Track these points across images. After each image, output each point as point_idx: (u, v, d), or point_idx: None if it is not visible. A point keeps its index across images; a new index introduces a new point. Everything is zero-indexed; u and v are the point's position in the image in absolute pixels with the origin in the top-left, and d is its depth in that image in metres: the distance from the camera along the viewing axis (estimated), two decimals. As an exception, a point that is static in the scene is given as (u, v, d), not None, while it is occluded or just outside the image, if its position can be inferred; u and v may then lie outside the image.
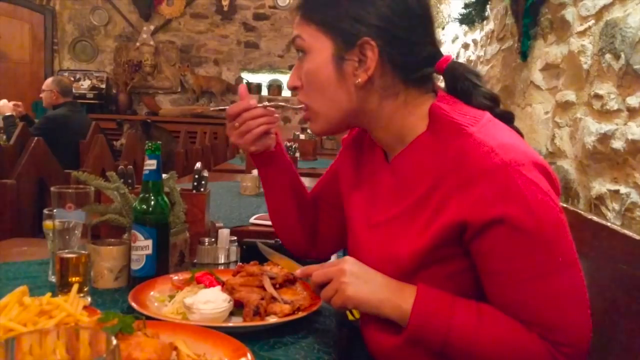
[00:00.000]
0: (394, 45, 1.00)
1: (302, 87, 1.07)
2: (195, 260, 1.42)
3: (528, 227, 0.88)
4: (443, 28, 5.22)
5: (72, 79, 7.48)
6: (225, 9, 7.91)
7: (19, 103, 5.00)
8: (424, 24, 1.05)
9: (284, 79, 8.18)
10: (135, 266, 1.21)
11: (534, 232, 0.89)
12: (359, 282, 0.96)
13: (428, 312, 0.93)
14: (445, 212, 0.94)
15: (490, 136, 0.94)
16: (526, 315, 0.91)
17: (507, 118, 1.04)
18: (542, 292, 0.90)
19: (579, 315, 0.92)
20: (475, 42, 4.39)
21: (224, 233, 1.47)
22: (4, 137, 4.49)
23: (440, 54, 1.05)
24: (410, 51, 1.02)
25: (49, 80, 4.81)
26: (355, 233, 1.14)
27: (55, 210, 1.15)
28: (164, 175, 1.29)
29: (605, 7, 1.93)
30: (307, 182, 1.41)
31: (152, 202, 1.21)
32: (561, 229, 0.91)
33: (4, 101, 4.85)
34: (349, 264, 0.99)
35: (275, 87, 8.15)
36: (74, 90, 7.06)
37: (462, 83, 1.04)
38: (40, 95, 4.79)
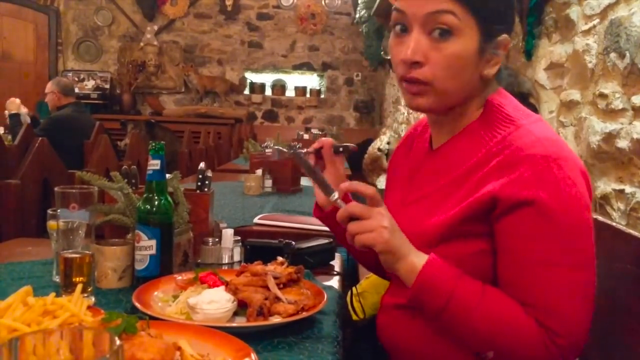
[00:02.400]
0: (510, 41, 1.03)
1: (425, 64, 0.99)
2: (199, 260, 1.42)
3: (554, 215, 0.91)
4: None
5: (76, 79, 7.49)
6: (229, 8, 7.92)
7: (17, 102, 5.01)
8: None
9: (288, 78, 8.19)
10: (139, 266, 1.21)
11: (558, 221, 0.92)
12: (395, 231, 0.97)
13: (435, 274, 0.95)
14: (481, 189, 0.97)
15: (539, 130, 0.98)
16: (529, 297, 0.93)
17: (524, 97, 1.12)
18: (551, 278, 0.92)
19: (580, 312, 0.93)
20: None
21: (228, 233, 1.47)
22: (9, 137, 4.50)
23: None
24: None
25: (49, 82, 4.82)
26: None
27: (59, 211, 1.15)
28: (167, 175, 1.29)
29: (610, 6, 1.92)
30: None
31: (156, 202, 1.21)
32: (585, 228, 0.94)
33: (14, 99, 4.86)
34: (387, 211, 0.99)
35: (279, 87, 8.16)
36: (77, 91, 7.14)
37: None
38: (45, 100, 4.81)
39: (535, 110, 1.11)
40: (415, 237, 1.00)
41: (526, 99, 1.11)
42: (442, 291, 0.94)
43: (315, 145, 1.26)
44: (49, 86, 4.71)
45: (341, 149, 1.26)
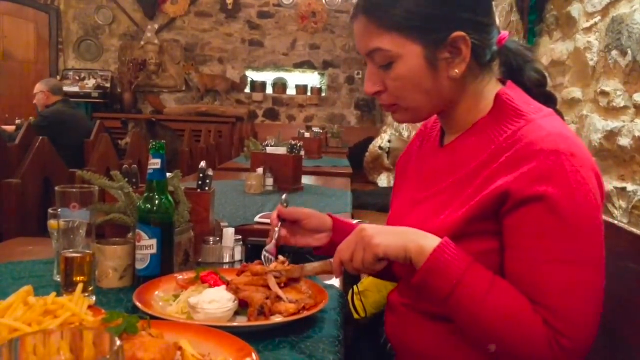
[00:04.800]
0: (478, 32, 1.01)
1: (385, 91, 1.06)
2: (200, 260, 1.42)
3: (564, 212, 0.90)
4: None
5: (77, 78, 7.50)
6: (230, 7, 7.92)
7: None
8: (491, 3, 1.06)
9: (289, 77, 8.19)
10: (139, 266, 1.21)
11: (568, 218, 0.90)
12: (381, 231, 0.98)
13: (446, 258, 0.92)
14: (490, 185, 0.96)
15: (551, 125, 0.97)
16: (537, 295, 0.91)
17: (552, 100, 1.08)
18: (558, 277, 0.90)
19: (587, 313, 0.91)
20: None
21: (229, 232, 1.47)
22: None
23: (499, 31, 1.07)
24: (488, 34, 1.03)
25: (38, 84, 4.88)
26: (397, 212, 1.17)
27: (60, 210, 1.15)
28: (168, 175, 1.29)
29: (612, 4, 1.92)
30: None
31: (157, 202, 1.21)
32: (595, 227, 0.92)
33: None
34: (363, 225, 1.00)
35: (280, 86, 8.16)
36: (78, 90, 7.16)
37: (516, 57, 1.08)
38: (34, 102, 4.87)
39: (552, 98, 1.09)
40: None
41: (554, 103, 1.09)
42: (452, 275, 0.92)
43: (275, 223, 1.30)
44: (38, 87, 4.78)
45: (285, 204, 1.35)
